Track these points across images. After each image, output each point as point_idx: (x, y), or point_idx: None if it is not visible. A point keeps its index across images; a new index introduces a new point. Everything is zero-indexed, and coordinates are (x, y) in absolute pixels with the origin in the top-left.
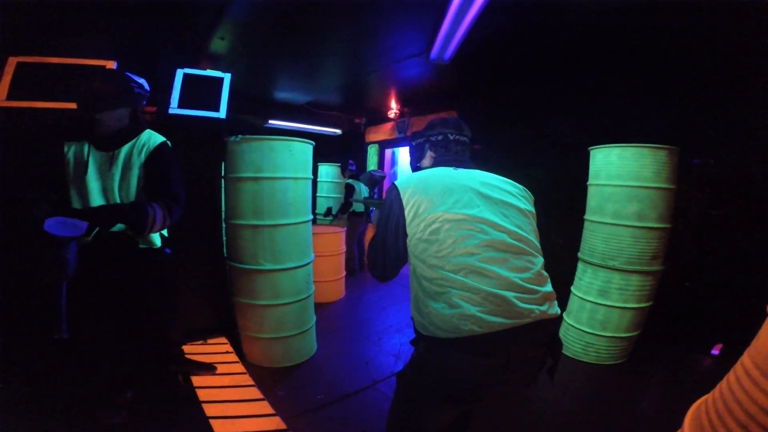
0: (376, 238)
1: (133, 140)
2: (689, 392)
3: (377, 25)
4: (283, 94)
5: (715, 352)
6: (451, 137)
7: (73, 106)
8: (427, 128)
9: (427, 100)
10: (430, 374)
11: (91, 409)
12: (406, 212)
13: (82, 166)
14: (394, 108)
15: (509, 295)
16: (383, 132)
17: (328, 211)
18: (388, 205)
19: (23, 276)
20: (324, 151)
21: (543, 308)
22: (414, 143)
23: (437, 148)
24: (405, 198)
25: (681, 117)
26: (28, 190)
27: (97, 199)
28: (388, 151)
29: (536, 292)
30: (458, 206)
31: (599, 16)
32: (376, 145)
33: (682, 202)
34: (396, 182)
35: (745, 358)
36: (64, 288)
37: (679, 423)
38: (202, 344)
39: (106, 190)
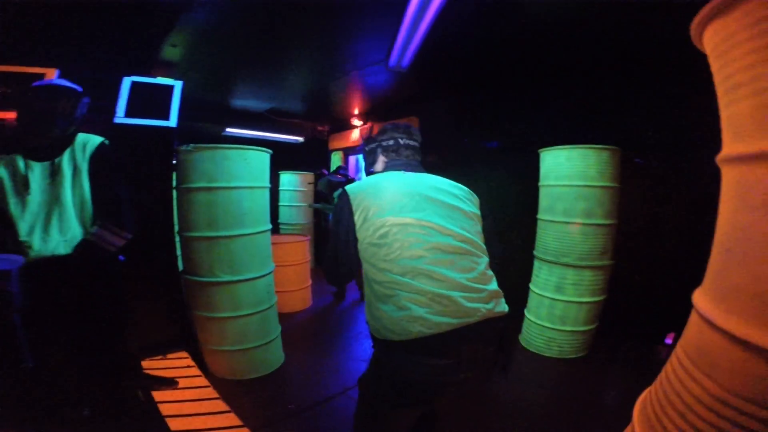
0: (329, 245)
1: (71, 145)
2: (647, 382)
3: (338, 32)
4: (241, 102)
5: (669, 341)
6: (402, 142)
7: (6, 115)
8: (379, 133)
9: (391, 107)
10: (385, 377)
11: (49, 424)
12: (355, 217)
13: (20, 181)
14: (357, 115)
15: (455, 295)
16: (347, 139)
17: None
18: (338, 211)
19: None
20: (286, 159)
21: (489, 306)
22: (367, 148)
23: (388, 153)
24: (355, 203)
25: (624, 119)
26: None
27: (45, 213)
28: (352, 158)
29: (482, 290)
30: (406, 210)
31: (546, 26)
32: (340, 152)
33: (628, 200)
34: (346, 187)
35: (678, 350)
36: (18, 319)
37: None
38: (161, 359)
39: (54, 202)
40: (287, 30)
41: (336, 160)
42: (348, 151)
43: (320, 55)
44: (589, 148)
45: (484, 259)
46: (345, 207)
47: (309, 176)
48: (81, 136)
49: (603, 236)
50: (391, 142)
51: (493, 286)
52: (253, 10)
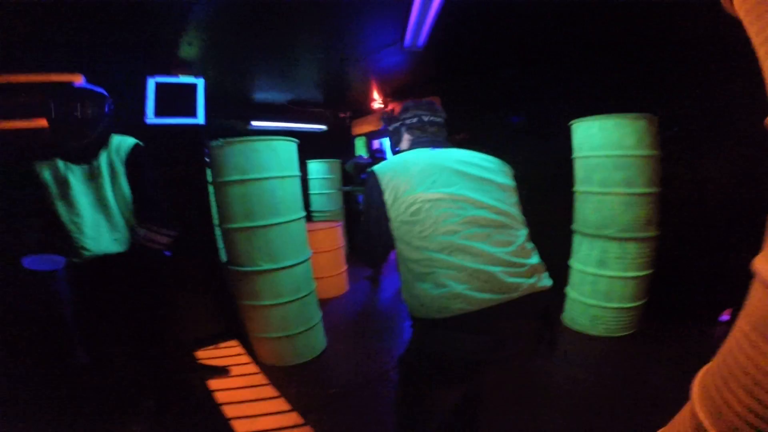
0: (361, 226)
1: (106, 146)
2: (700, 361)
3: (350, 15)
4: (263, 95)
5: (725, 317)
6: (426, 119)
7: (41, 122)
8: (401, 112)
9: (410, 88)
10: (426, 356)
11: (117, 417)
12: (385, 197)
13: (63, 184)
14: (377, 99)
15: (495, 269)
16: (369, 123)
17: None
18: (368, 192)
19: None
20: (312, 148)
21: (531, 281)
22: (390, 128)
23: (413, 131)
24: (383, 183)
25: (658, 87)
26: (11, 216)
27: (88, 213)
28: (375, 142)
29: (522, 265)
30: (436, 186)
31: None
32: (363, 137)
33: (669, 168)
34: (374, 168)
35: (742, 323)
36: (70, 316)
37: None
38: (214, 349)
39: (99, 201)
40: (296, 18)
41: (360, 145)
42: (371, 136)
43: (333, 40)
44: (623, 117)
45: (523, 231)
46: (374, 187)
47: (336, 163)
48: (116, 138)
49: (646, 206)
50: (414, 120)
51: (535, 259)
52: (257, 2)
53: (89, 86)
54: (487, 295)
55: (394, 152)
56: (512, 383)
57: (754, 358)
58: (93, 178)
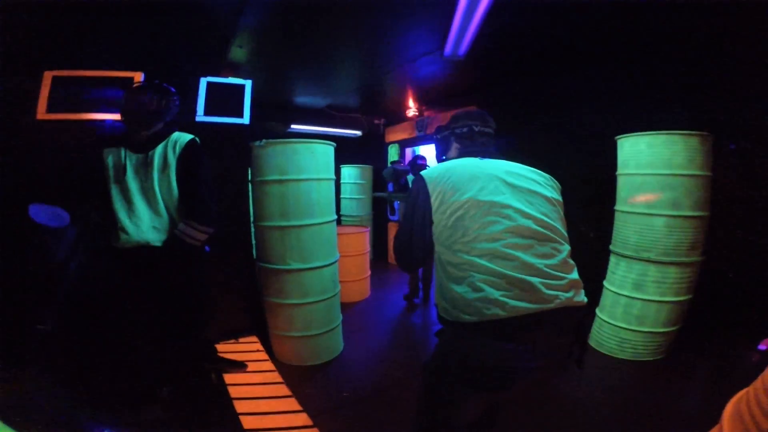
0: (402, 229)
1: (165, 141)
2: (732, 389)
3: (389, 24)
4: (302, 99)
5: (763, 347)
6: (476, 129)
7: (107, 116)
8: (451, 121)
9: (446, 97)
10: (455, 361)
11: (131, 403)
12: (432, 200)
13: (121, 169)
14: (412, 107)
15: (534, 280)
16: (403, 131)
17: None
18: (414, 195)
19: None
20: (346, 152)
21: (568, 295)
22: (439, 136)
23: (462, 140)
24: (431, 187)
25: (711, 102)
26: (72, 196)
27: (138, 199)
28: (408, 150)
29: (562, 278)
30: (484, 193)
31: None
32: (396, 145)
33: (721, 189)
34: (422, 172)
35: None
36: (62, 281)
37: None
38: (234, 343)
39: (146, 190)
40: (339, 25)
41: (393, 152)
42: (404, 143)
43: (373, 47)
44: (675, 133)
45: (566, 247)
46: (421, 191)
47: (368, 169)
48: (175, 134)
49: (692, 229)
50: (465, 129)
51: (574, 275)
52: (304, 8)
53: (159, 83)
54: (522, 304)
55: (440, 161)
56: (532, 399)
57: None
58: (145, 166)
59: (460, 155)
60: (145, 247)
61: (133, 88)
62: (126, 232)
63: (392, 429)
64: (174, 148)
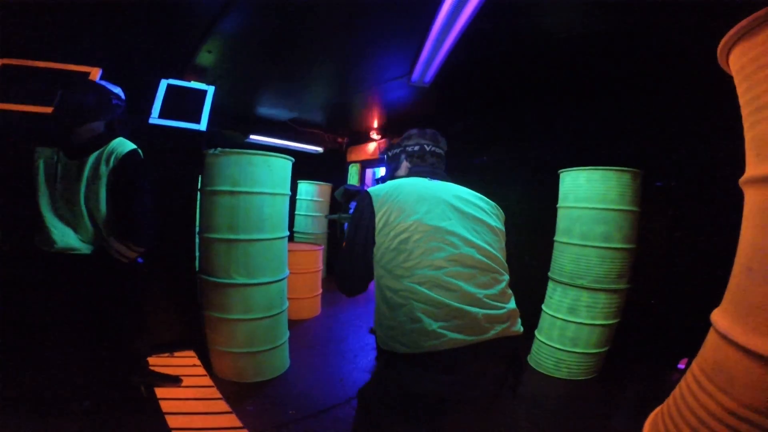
0: (344, 249)
1: (102, 148)
2: (656, 404)
3: (363, 47)
4: (265, 110)
5: (682, 366)
6: (428, 148)
7: (44, 110)
8: (404, 138)
9: (410, 122)
10: (389, 391)
11: (51, 416)
12: (377, 219)
13: (52, 174)
14: (376, 129)
15: (473, 310)
16: (365, 152)
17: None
18: (359, 213)
19: None
20: (304, 168)
21: (505, 325)
22: (390, 153)
23: (413, 159)
24: (377, 205)
25: (644, 140)
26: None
27: (64, 208)
28: (369, 171)
29: (500, 308)
30: (430, 216)
31: (568, 46)
32: (357, 165)
33: (647, 223)
34: (369, 189)
35: (694, 366)
36: None
37: None
38: (168, 357)
39: (72, 200)
40: (313, 43)
41: (353, 172)
42: (365, 164)
43: (344, 68)
44: (610, 169)
45: (506, 277)
46: (366, 209)
47: (326, 187)
48: (114, 143)
49: (620, 260)
50: (416, 148)
51: (512, 305)
52: (281, 23)
53: (100, 81)
54: (460, 336)
55: (390, 179)
56: (473, 424)
57: (701, 400)
58: (77, 175)
59: (410, 174)
60: (71, 254)
61: (68, 81)
62: (52, 238)
63: None
64: (108, 159)
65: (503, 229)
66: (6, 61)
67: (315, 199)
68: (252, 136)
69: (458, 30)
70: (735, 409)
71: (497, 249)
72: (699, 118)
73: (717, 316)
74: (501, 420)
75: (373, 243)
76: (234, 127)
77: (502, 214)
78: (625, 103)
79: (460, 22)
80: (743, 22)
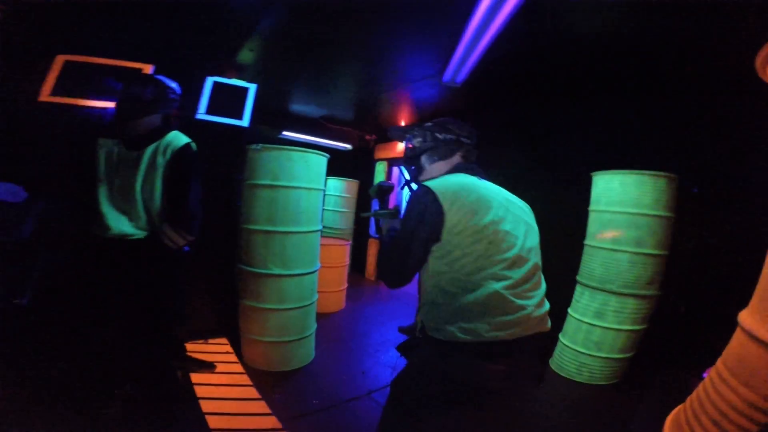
0: (398, 244)
1: (159, 141)
2: None
3: (395, 45)
4: (297, 107)
5: (706, 375)
6: (467, 142)
7: (108, 104)
8: (439, 128)
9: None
10: (436, 379)
11: (88, 399)
12: (447, 219)
13: (112, 164)
14: (404, 126)
15: (529, 308)
16: (392, 150)
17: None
18: (421, 209)
19: None
20: (333, 165)
21: (545, 322)
22: (441, 137)
23: (454, 151)
24: (446, 204)
25: (682, 145)
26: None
27: (119, 197)
28: (395, 169)
29: (544, 306)
30: (497, 219)
31: (605, 45)
32: (385, 162)
33: (680, 229)
34: (431, 186)
35: (719, 363)
36: (39, 257)
37: None
38: (203, 343)
39: (128, 189)
40: (347, 42)
41: (380, 169)
42: (392, 162)
43: (376, 66)
44: (645, 174)
45: (543, 278)
46: (432, 205)
47: (354, 183)
48: (170, 135)
49: (651, 266)
50: (451, 137)
51: (547, 305)
52: (317, 22)
53: (159, 76)
54: (516, 330)
55: (419, 169)
56: (496, 419)
57: (723, 393)
58: (135, 165)
59: (455, 169)
60: (123, 239)
61: (130, 76)
62: (107, 224)
63: None
64: (165, 151)
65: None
66: (67, 57)
67: (343, 195)
68: (284, 132)
69: (494, 31)
70: (755, 401)
71: (539, 250)
72: (738, 125)
73: (743, 316)
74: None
75: (437, 240)
76: (268, 123)
77: (533, 215)
78: (663, 107)
79: (495, 24)
80: None
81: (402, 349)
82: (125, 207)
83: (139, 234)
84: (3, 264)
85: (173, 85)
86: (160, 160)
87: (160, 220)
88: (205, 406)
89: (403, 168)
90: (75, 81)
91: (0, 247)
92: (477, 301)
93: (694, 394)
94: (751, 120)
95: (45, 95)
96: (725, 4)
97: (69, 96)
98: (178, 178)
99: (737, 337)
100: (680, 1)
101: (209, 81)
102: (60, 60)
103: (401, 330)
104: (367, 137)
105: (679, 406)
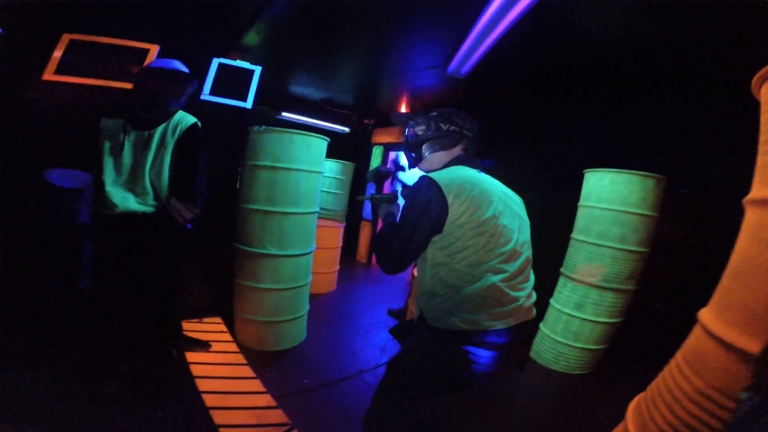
0: (399, 231)
1: (167, 121)
2: None
3: (402, 34)
4: (298, 89)
5: None
6: (468, 134)
7: (115, 83)
8: (442, 118)
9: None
10: (433, 365)
11: (88, 376)
12: (450, 211)
13: (118, 144)
14: (404, 113)
15: (522, 300)
16: (390, 135)
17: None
18: (425, 201)
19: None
20: (331, 147)
21: (531, 311)
22: (445, 128)
23: (455, 143)
24: (450, 197)
25: (671, 147)
26: (62, 161)
27: (128, 175)
28: (392, 154)
29: (532, 296)
30: (499, 214)
31: (608, 49)
32: (381, 147)
33: (664, 228)
34: (435, 178)
35: (677, 354)
36: (87, 241)
37: None
38: (197, 322)
39: (137, 167)
40: (354, 28)
41: (377, 153)
42: (389, 147)
43: (382, 54)
44: (636, 173)
45: (532, 269)
46: (436, 198)
47: (350, 166)
48: (177, 116)
49: (632, 262)
50: (454, 128)
51: (535, 295)
52: (326, 7)
53: (177, 65)
54: (511, 319)
55: (419, 157)
56: (475, 402)
57: (678, 381)
58: (143, 144)
59: (455, 162)
60: (129, 216)
61: (151, 68)
62: (113, 202)
63: (352, 414)
64: (174, 130)
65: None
66: (72, 36)
67: (338, 177)
68: (283, 113)
69: (502, 28)
70: (703, 389)
71: (530, 244)
72: (727, 132)
73: (702, 312)
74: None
75: (439, 231)
76: (267, 104)
77: (525, 209)
78: (655, 110)
79: (505, 22)
80: None
81: (395, 332)
82: (132, 185)
83: (147, 209)
84: (64, 249)
85: (189, 73)
86: (169, 139)
87: (168, 197)
88: (201, 384)
89: (400, 154)
90: (80, 60)
91: (61, 232)
92: (477, 293)
93: (653, 383)
94: (742, 129)
95: (49, 74)
96: (717, 7)
97: (74, 75)
98: (188, 155)
99: (695, 331)
100: (674, 5)
101: (215, 62)
102: (65, 39)
103: (391, 313)
104: (366, 121)
105: (641, 394)
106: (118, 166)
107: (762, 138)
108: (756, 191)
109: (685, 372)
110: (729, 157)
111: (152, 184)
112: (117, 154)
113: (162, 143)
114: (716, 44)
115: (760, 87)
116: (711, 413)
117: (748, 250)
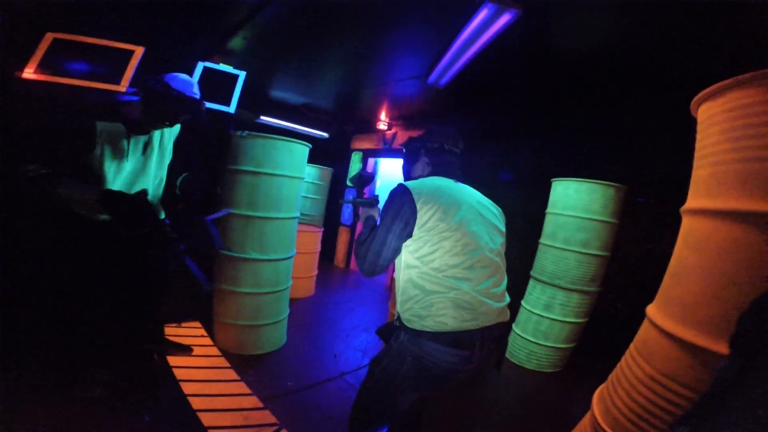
0: (376, 236)
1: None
2: None
3: (386, 44)
4: (278, 93)
5: None
6: (446, 147)
7: (99, 85)
8: (425, 135)
9: (418, 116)
10: (410, 362)
11: (67, 382)
12: (419, 216)
13: (119, 147)
14: (383, 120)
15: (490, 303)
16: (369, 141)
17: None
18: (398, 206)
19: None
20: (309, 152)
21: (505, 314)
22: (410, 147)
23: (433, 157)
24: (419, 203)
25: (632, 159)
26: (53, 164)
27: (130, 181)
28: (371, 160)
29: (504, 301)
30: (466, 220)
31: (574, 63)
32: (360, 153)
33: (623, 233)
34: (407, 185)
35: (631, 345)
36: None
37: None
38: (176, 327)
39: (142, 172)
40: (338, 37)
41: (356, 159)
42: (368, 153)
43: (365, 63)
44: (598, 183)
45: (505, 275)
46: (408, 203)
47: (328, 171)
48: None
49: (595, 265)
50: (436, 145)
51: (508, 298)
52: (312, 16)
53: (189, 91)
54: (479, 322)
55: (407, 171)
56: (453, 399)
57: (632, 368)
58: (145, 149)
59: (432, 173)
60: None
61: (169, 85)
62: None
63: (336, 413)
64: (172, 133)
65: (505, 232)
66: (56, 35)
67: (316, 182)
68: (263, 117)
69: (481, 44)
70: (652, 374)
71: (503, 252)
72: (684, 144)
73: (649, 308)
74: (476, 399)
75: (410, 235)
76: (247, 107)
77: (504, 218)
78: (618, 122)
79: (483, 38)
80: (713, 86)
81: (381, 333)
82: (132, 188)
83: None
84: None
85: (200, 99)
86: (168, 143)
87: (163, 199)
88: (186, 388)
89: (378, 160)
90: (63, 59)
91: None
92: (445, 295)
93: (613, 372)
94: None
95: (28, 73)
96: (674, 22)
97: (55, 75)
98: (185, 150)
99: (644, 324)
100: (637, 21)
101: (200, 66)
102: (49, 37)
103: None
104: (345, 127)
105: (604, 383)
106: (120, 173)
107: (696, 154)
108: (689, 202)
109: (637, 360)
110: (682, 169)
111: (152, 191)
112: (119, 159)
113: (163, 143)
114: (673, 60)
115: (698, 107)
116: (659, 395)
117: (681, 253)
